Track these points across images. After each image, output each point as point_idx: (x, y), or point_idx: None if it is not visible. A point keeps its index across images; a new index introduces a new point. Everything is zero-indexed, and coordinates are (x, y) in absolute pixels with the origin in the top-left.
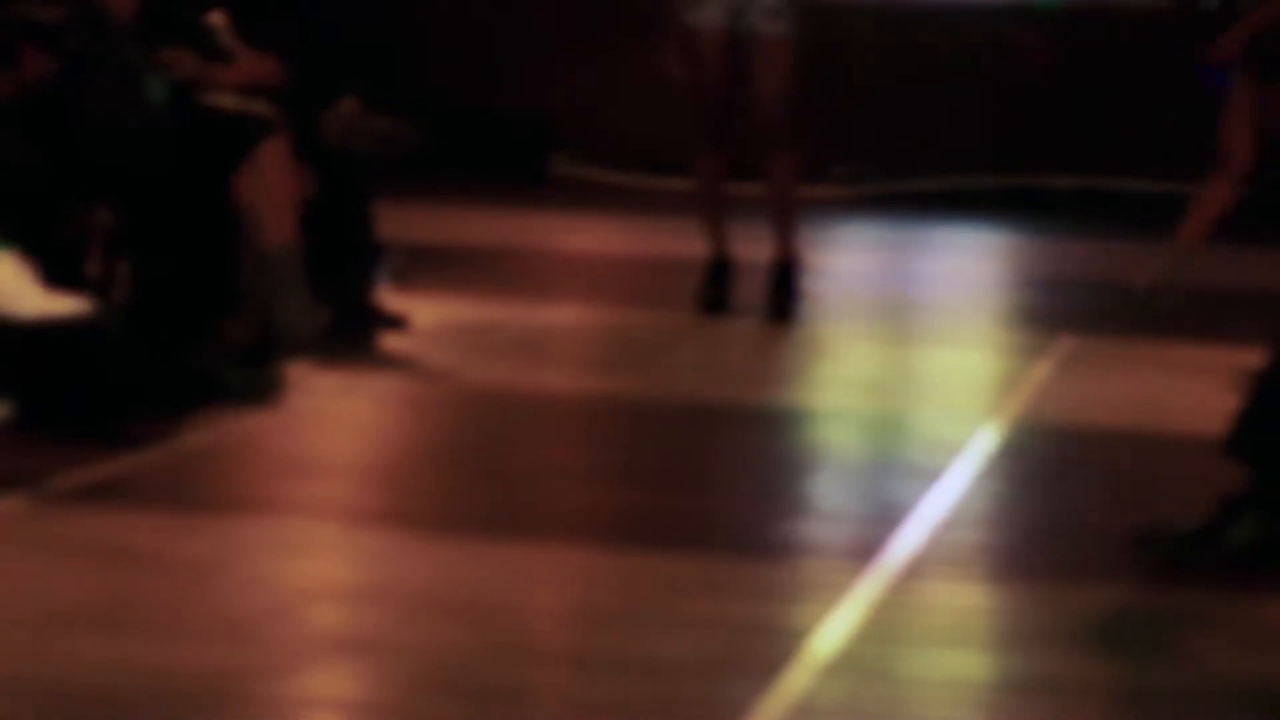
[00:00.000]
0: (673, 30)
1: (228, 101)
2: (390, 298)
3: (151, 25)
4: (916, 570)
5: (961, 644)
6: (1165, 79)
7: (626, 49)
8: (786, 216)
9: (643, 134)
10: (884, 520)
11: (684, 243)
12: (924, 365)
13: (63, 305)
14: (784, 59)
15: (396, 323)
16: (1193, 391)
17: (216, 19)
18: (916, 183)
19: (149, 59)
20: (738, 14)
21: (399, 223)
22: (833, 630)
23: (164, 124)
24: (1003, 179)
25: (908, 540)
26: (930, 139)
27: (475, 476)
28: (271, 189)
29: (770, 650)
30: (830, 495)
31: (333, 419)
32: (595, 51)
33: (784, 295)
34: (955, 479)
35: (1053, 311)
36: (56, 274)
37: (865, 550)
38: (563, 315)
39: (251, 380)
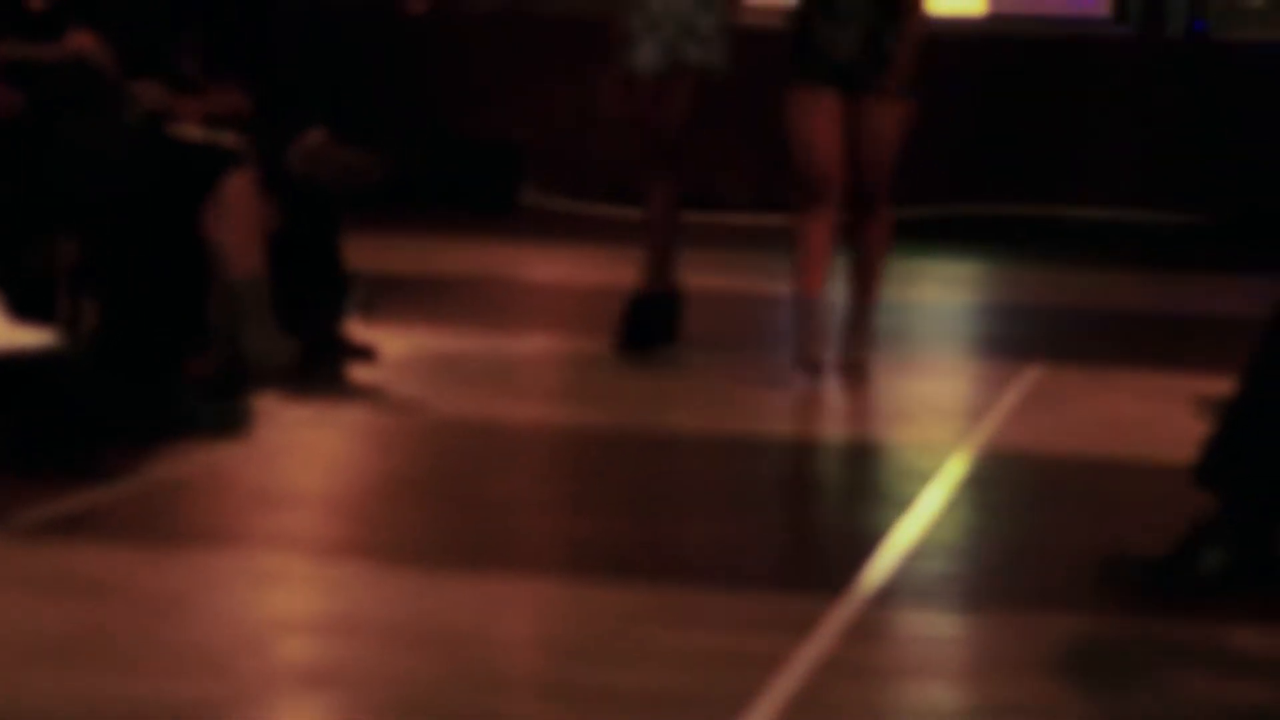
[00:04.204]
0: (615, 72)
1: (194, 133)
2: (358, 329)
3: (120, 57)
4: (886, 599)
5: (932, 673)
6: (1133, 106)
7: (596, 80)
8: (669, 244)
9: (612, 164)
10: (853, 549)
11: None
12: (892, 394)
13: (30, 338)
14: (692, 89)
15: (365, 354)
16: (1161, 419)
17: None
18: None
19: (119, 91)
20: (671, 48)
21: (367, 253)
22: (801, 661)
23: (132, 155)
24: (968, 208)
25: (877, 570)
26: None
27: (444, 507)
28: (238, 220)
29: (738, 681)
30: (799, 524)
31: (301, 451)
32: (565, 82)
33: (648, 324)
34: (925, 507)
35: (1020, 339)
36: (24, 306)
37: (834, 580)
38: (532, 345)
39: (219, 412)
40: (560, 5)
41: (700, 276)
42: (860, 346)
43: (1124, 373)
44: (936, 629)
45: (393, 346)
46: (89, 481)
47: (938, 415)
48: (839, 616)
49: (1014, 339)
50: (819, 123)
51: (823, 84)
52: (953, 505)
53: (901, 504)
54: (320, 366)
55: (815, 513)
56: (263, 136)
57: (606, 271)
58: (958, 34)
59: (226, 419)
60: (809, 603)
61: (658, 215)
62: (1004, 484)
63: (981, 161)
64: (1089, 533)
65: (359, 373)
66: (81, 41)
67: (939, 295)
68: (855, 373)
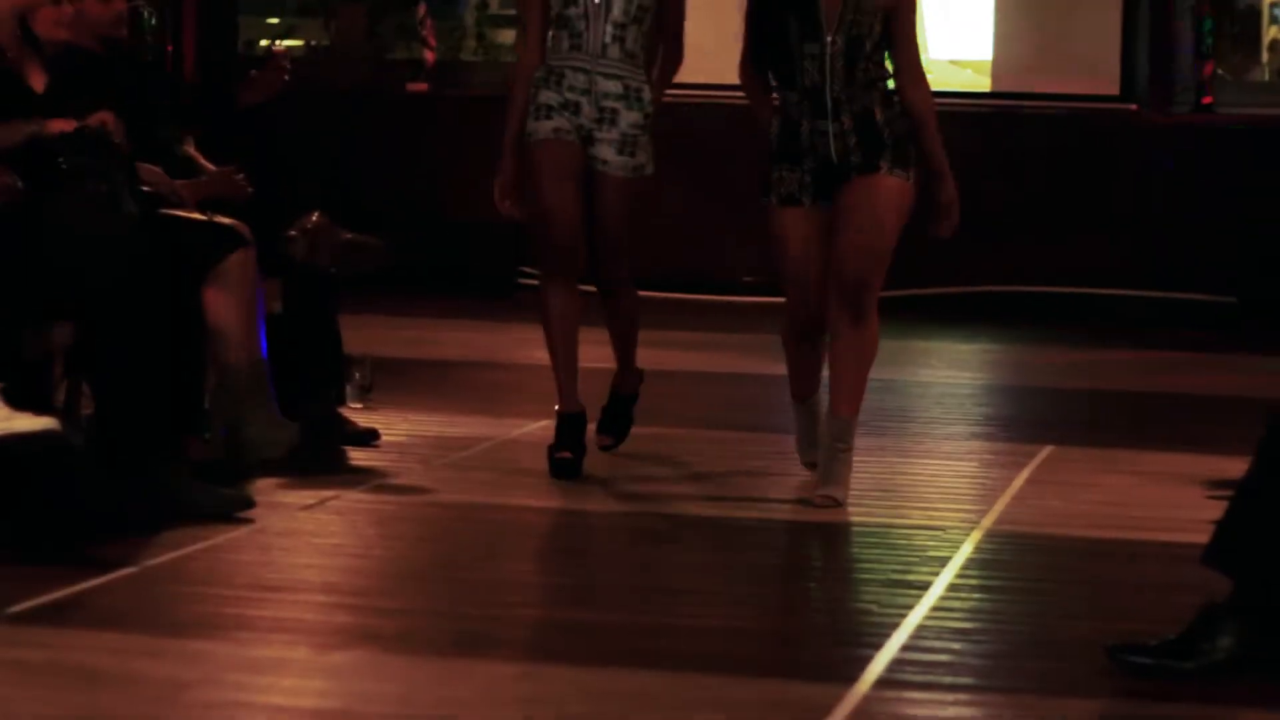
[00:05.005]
0: (512, 148)
1: (194, 215)
2: (359, 412)
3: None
4: (893, 685)
5: None
6: (1139, 183)
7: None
8: (629, 347)
9: None
10: (862, 633)
11: (655, 354)
12: (902, 476)
13: (27, 424)
14: (630, 196)
15: (365, 438)
16: (1172, 500)
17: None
18: (889, 292)
19: (124, 173)
20: (586, 138)
21: (367, 336)
22: None
23: (130, 238)
24: (977, 287)
25: (885, 654)
26: (901, 248)
27: (445, 593)
28: (237, 303)
29: None
30: (806, 609)
31: (300, 536)
32: None
33: (617, 427)
34: (933, 591)
35: (1032, 420)
36: (20, 392)
37: (842, 665)
38: (534, 429)
39: (218, 497)
40: None
41: (707, 358)
42: (835, 480)
43: (1136, 454)
44: (944, 714)
45: (393, 430)
46: (86, 568)
47: (948, 497)
48: (847, 702)
49: (1025, 420)
50: (800, 252)
51: (802, 202)
52: (962, 589)
53: (910, 588)
54: (320, 450)
55: (822, 597)
56: (262, 219)
57: (607, 353)
58: (963, 110)
59: (225, 504)
60: (817, 688)
61: (617, 322)
62: (1013, 567)
63: (988, 240)
64: (1098, 616)
65: (359, 457)
66: (103, 118)
67: (949, 375)
68: (828, 503)
